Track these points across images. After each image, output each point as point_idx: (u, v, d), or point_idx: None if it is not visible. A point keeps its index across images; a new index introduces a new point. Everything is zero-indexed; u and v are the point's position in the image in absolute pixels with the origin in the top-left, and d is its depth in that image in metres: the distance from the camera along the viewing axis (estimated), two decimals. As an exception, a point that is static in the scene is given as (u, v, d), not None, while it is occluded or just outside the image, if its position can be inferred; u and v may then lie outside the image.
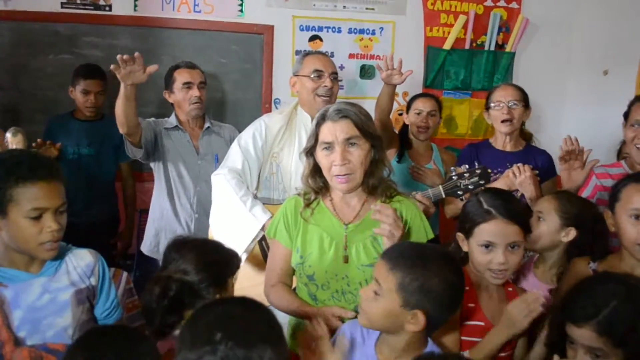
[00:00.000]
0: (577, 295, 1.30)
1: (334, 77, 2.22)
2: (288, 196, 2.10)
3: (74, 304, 1.41)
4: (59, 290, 1.39)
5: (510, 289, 1.60)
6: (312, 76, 2.19)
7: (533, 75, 3.66)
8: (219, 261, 1.45)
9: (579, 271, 1.61)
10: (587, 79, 3.60)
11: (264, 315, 1.02)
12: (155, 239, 2.72)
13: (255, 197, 2.17)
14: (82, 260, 1.46)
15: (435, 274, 1.24)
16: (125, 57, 2.14)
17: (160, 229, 2.71)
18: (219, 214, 2.19)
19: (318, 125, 1.56)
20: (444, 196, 2.03)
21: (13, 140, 1.99)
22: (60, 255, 1.43)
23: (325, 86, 2.18)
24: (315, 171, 1.61)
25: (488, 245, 1.48)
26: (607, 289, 1.27)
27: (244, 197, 2.08)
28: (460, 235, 1.58)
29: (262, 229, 2.02)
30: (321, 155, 1.55)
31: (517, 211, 1.52)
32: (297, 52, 3.42)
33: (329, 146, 1.53)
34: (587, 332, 1.22)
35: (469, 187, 2.01)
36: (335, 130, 1.52)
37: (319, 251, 1.58)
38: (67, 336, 1.38)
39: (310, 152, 1.60)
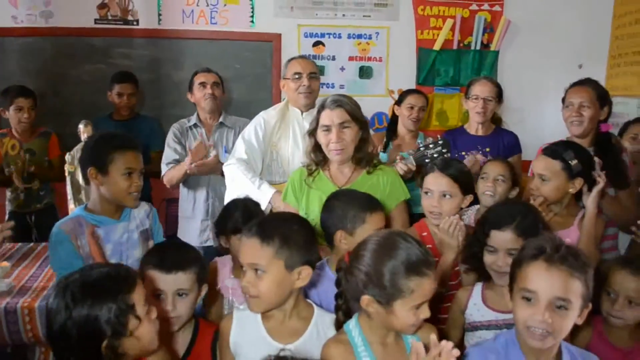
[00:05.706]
0: (496, 209, 1.74)
1: (312, 75, 2.55)
2: (288, 177, 2.49)
3: (142, 241, 1.89)
4: (132, 231, 1.88)
5: None
6: (293, 78, 2.55)
7: (516, 71, 4.04)
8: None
9: None
10: (565, 73, 3.94)
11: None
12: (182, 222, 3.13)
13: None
14: (142, 208, 1.94)
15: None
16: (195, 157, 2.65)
17: (185, 215, 3.11)
18: (234, 195, 2.58)
19: (319, 112, 2.01)
20: (414, 164, 2.36)
21: (85, 130, 2.41)
22: None
23: (304, 85, 2.52)
24: (316, 147, 2.05)
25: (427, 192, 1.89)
26: (514, 206, 1.73)
27: (253, 179, 2.45)
28: None
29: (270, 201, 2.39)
30: (321, 135, 2.00)
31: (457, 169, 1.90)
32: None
33: (327, 128, 1.97)
34: (509, 234, 1.57)
35: (434, 155, 2.36)
36: (332, 116, 1.97)
37: (319, 208, 1.96)
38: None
39: (312, 133, 2.04)
